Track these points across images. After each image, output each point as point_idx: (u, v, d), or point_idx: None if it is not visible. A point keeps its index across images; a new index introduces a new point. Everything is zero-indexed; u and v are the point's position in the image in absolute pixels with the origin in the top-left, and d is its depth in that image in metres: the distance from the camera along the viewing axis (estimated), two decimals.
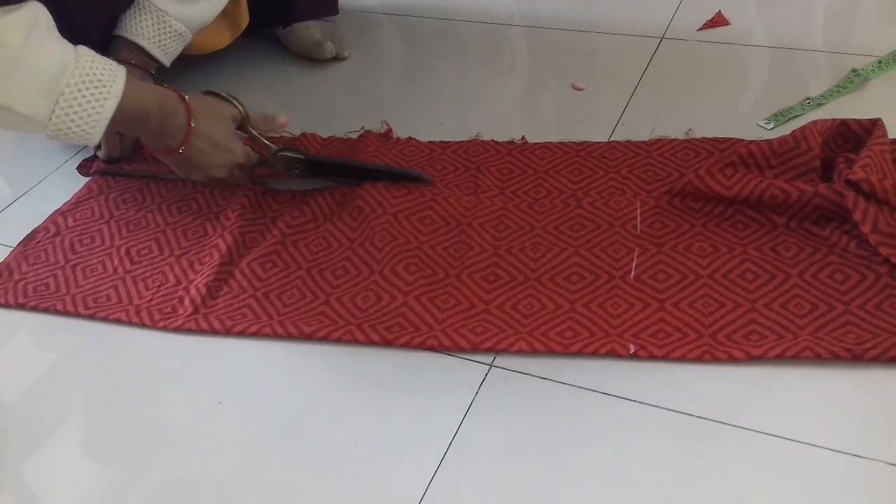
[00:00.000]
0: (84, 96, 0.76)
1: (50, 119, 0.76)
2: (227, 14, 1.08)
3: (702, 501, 0.62)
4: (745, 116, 0.99)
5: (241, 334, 0.80)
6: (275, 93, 1.16)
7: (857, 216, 0.77)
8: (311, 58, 1.21)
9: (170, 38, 0.98)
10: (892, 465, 0.62)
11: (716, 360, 0.71)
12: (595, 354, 0.73)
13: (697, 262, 0.80)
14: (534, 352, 0.74)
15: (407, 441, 0.69)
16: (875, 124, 0.85)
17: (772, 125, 0.97)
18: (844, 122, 0.87)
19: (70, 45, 0.78)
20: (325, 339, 0.78)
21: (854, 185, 0.78)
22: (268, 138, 0.94)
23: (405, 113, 1.08)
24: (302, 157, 0.93)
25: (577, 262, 0.82)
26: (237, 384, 0.76)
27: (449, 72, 1.17)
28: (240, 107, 0.91)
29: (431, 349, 0.76)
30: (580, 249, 0.83)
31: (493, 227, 0.87)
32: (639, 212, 0.86)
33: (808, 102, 1.00)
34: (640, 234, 0.84)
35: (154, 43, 0.97)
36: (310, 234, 0.90)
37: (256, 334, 0.79)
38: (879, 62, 1.04)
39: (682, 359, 0.72)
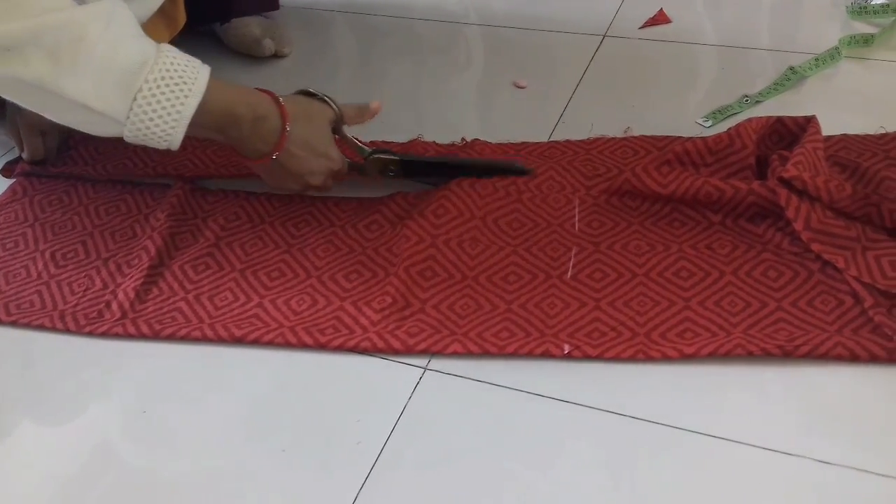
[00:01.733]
0: (164, 94, 0.70)
1: (128, 118, 0.70)
2: (163, 13, 1.05)
3: (635, 503, 0.61)
4: (685, 114, 0.99)
5: (170, 339, 0.77)
6: None
7: (790, 213, 0.77)
8: (251, 55, 1.18)
9: None
10: (824, 463, 0.62)
11: (649, 358, 0.71)
12: (530, 355, 0.72)
13: (634, 261, 0.79)
14: (468, 353, 0.73)
15: (337, 448, 0.67)
16: (809, 122, 0.86)
17: (710, 123, 0.97)
18: (780, 120, 0.88)
19: (151, 41, 0.72)
20: (256, 342, 0.76)
21: (787, 183, 0.78)
22: (360, 140, 0.88)
23: None
24: (396, 157, 0.88)
25: (515, 262, 0.81)
26: (164, 392, 0.74)
27: (392, 70, 1.16)
28: (335, 106, 0.84)
29: (365, 352, 0.74)
30: (518, 248, 0.82)
31: (433, 214, 0.85)
32: (577, 210, 0.86)
33: (746, 100, 1.00)
34: (577, 233, 0.83)
35: None
36: (245, 234, 0.87)
37: (185, 338, 0.77)
38: (816, 60, 1.05)
39: (616, 358, 0.71)
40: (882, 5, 1.11)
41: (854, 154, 0.88)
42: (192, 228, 0.89)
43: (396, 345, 0.74)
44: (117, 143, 0.99)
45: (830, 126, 0.89)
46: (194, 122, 0.73)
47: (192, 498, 0.65)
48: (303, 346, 0.75)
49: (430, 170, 0.90)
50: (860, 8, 1.13)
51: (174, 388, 0.74)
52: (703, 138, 0.86)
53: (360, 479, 0.65)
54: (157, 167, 0.96)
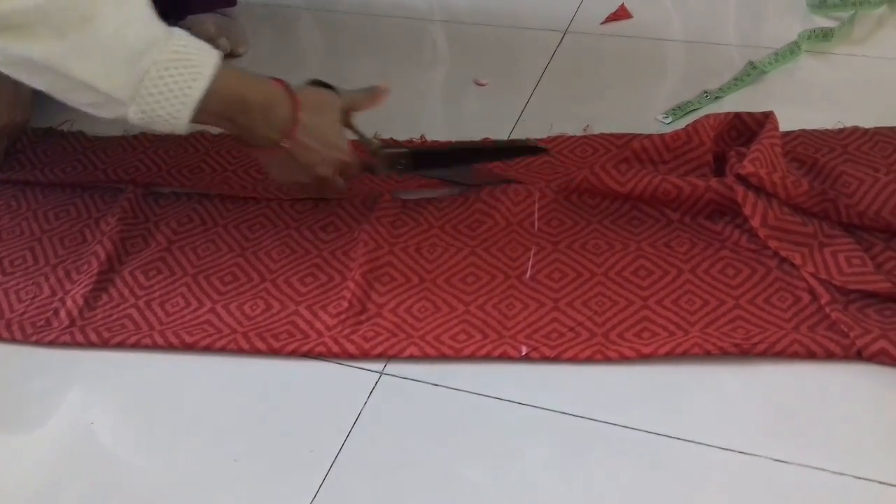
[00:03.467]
0: (172, 76, 0.68)
1: (134, 99, 0.68)
2: None
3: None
4: (645, 111, 0.99)
5: (120, 347, 0.75)
6: None
7: (747, 210, 0.77)
8: None
9: None
10: (780, 461, 0.62)
11: (607, 359, 0.70)
12: (488, 357, 0.71)
13: (592, 260, 0.79)
14: (425, 357, 0.72)
15: (290, 457, 0.66)
16: (767, 118, 0.86)
17: (670, 119, 0.97)
18: (738, 116, 0.87)
19: (162, 25, 0.70)
20: (208, 349, 0.74)
21: (743, 180, 0.78)
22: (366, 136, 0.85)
23: None
24: (406, 150, 0.85)
25: (474, 262, 0.80)
26: (112, 402, 0.72)
27: (351, 67, 1.14)
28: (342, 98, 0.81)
29: (320, 356, 0.73)
30: (477, 249, 0.81)
31: (390, 224, 0.84)
32: (536, 209, 0.85)
33: (706, 96, 1.00)
34: (537, 233, 0.82)
35: None
36: (198, 238, 0.85)
37: (136, 346, 0.75)
38: (776, 55, 1.05)
39: (574, 359, 0.70)
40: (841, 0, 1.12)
41: (812, 149, 0.88)
42: (144, 233, 0.86)
43: (352, 349, 0.72)
44: (66, 146, 0.98)
45: (791, 121, 0.89)
46: (203, 108, 0.70)
47: None
48: (256, 352, 0.73)
49: (441, 159, 0.87)
50: (820, 2, 1.13)
51: (123, 398, 0.72)
52: (660, 135, 0.85)
53: (315, 486, 0.63)
54: (107, 171, 0.94)
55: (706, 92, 1.00)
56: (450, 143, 0.94)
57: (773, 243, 0.76)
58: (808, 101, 0.98)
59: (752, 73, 1.03)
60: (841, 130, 0.90)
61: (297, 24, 1.28)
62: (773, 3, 1.19)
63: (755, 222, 0.77)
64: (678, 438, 0.64)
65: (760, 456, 0.62)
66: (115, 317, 0.78)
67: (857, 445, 0.62)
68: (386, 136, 0.96)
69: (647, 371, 0.69)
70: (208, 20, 1.15)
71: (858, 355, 0.67)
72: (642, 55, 1.11)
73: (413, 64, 1.15)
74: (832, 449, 0.62)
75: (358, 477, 0.64)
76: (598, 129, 0.95)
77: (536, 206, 0.85)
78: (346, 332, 0.74)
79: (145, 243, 0.85)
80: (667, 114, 0.98)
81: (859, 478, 0.60)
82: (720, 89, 1.01)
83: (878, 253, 0.75)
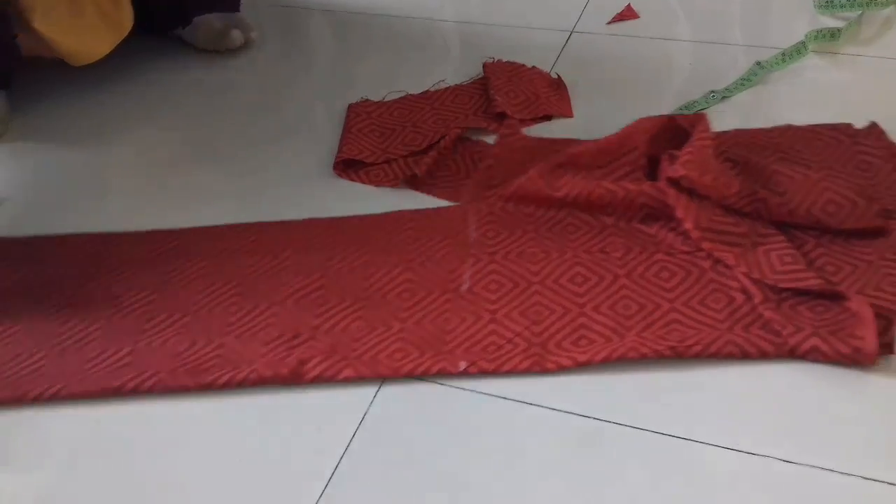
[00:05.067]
0: None
1: None
2: (105, 16, 0.99)
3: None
4: (652, 110, 0.96)
5: (37, 401, 0.71)
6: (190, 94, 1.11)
7: (680, 213, 0.77)
8: (218, 51, 1.18)
9: None
10: (787, 462, 0.61)
11: (545, 370, 0.69)
12: (425, 375, 0.70)
13: (529, 269, 0.78)
14: (360, 378, 0.71)
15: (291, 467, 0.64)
16: (700, 120, 0.86)
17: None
18: (671, 119, 0.88)
19: None
20: (135, 391, 0.71)
21: (675, 182, 0.78)
22: None
23: (297, 112, 1.07)
24: None
25: (410, 279, 0.79)
26: (31, 462, 0.68)
27: (359, 66, 1.15)
28: None
29: (254, 385, 0.71)
30: (412, 264, 0.80)
31: (321, 248, 0.83)
32: (471, 222, 0.84)
33: (713, 95, 0.99)
34: (472, 244, 0.82)
35: None
36: (111, 277, 0.83)
37: (55, 398, 0.71)
38: (783, 54, 1.04)
39: (513, 371, 0.70)
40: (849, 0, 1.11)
41: (745, 149, 0.88)
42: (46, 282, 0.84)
43: (285, 372, 0.71)
44: None
45: (798, 120, 0.89)
46: None
47: None
48: (184, 389, 0.71)
49: None
50: (827, 2, 1.12)
51: (48, 454, 0.68)
52: (594, 140, 0.85)
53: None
54: None
55: (713, 91, 0.99)
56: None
57: (706, 245, 0.76)
58: (815, 101, 0.97)
59: (758, 72, 1.02)
60: (772, 129, 0.91)
61: (307, 23, 1.28)
62: (779, 3, 1.19)
63: (688, 225, 0.77)
64: (685, 439, 0.64)
65: (768, 456, 0.62)
66: (25, 371, 0.74)
67: (866, 446, 0.62)
68: None
69: (654, 371, 0.69)
70: (213, 17, 1.16)
71: (791, 354, 0.67)
72: (648, 55, 1.10)
73: (420, 63, 1.13)
74: (840, 449, 0.61)
75: (368, 473, 0.63)
76: (605, 128, 0.92)
77: (472, 218, 0.84)
78: (279, 356, 0.72)
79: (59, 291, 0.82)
80: (673, 112, 0.97)
81: (867, 479, 0.59)
82: (726, 89, 1.00)
83: (809, 250, 0.75)
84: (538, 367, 0.69)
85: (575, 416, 0.66)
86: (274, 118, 1.07)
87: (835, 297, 0.69)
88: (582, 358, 0.69)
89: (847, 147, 0.86)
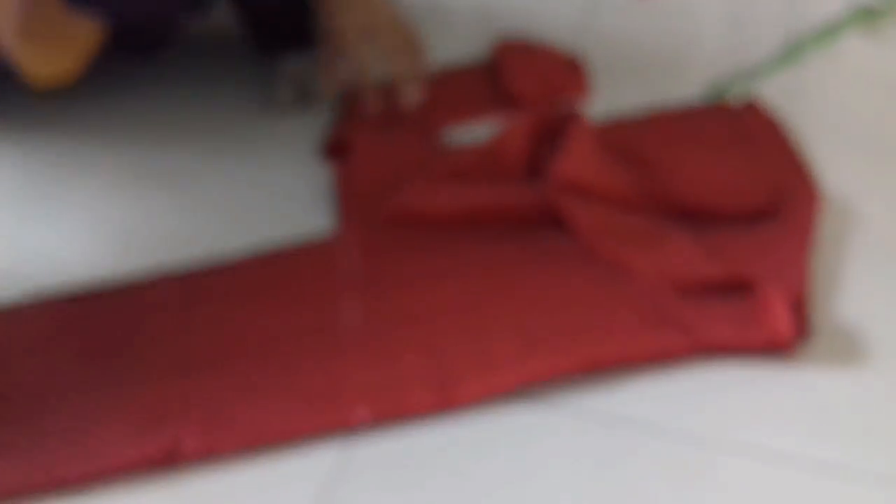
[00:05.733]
0: None
1: None
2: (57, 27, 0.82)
3: None
4: (681, 89, 0.93)
5: None
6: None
7: (570, 215, 0.74)
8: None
9: None
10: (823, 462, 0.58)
11: (454, 404, 0.63)
12: (321, 432, 0.62)
13: (420, 298, 0.71)
14: (250, 449, 0.62)
15: None
16: (574, 114, 0.83)
17: (708, 98, 0.92)
18: (544, 116, 0.84)
19: None
20: None
21: (560, 184, 0.74)
22: None
23: None
24: None
25: (287, 322, 0.70)
26: None
27: None
28: None
29: (123, 472, 0.61)
30: (282, 313, 0.71)
31: (175, 308, 0.73)
32: (349, 255, 0.76)
33: (745, 75, 0.94)
34: (355, 278, 0.74)
35: None
36: None
37: None
38: (818, 34, 1.00)
39: (419, 411, 0.63)
40: None
41: (625, 139, 0.85)
42: None
43: (158, 456, 0.61)
44: None
45: (837, 105, 0.88)
46: None
47: None
48: (39, 490, 0.60)
49: None
50: None
51: None
52: (468, 150, 0.81)
53: None
54: None
55: (745, 71, 0.95)
56: None
57: (599, 245, 0.73)
58: (855, 82, 0.94)
59: (794, 51, 0.98)
60: (651, 115, 0.89)
61: None
62: None
63: (580, 227, 0.73)
64: (710, 439, 0.60)
65: (802, 458, 0.58)
66: None
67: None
68: None
69: (681, 369, 0.65)
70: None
71: (708, 349, 0.64)
72: (678, 32, 1.05)
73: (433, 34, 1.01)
74: (878, 454, 0.59)
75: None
76: (631, 106, 0.89)
77: (349, 252, 0.76)
78: (147, 438, 0.62)
79: None
80: (704, 93, 0.92)
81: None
82: (760, 68, 0.95)
83: (706, 238, 0.73)
84: (446, 402, 0.63)
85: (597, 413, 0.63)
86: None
87: (740, 285, 0.68)
88: (492, 385, 0.63)
89: (728, 126, 0.86)
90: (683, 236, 0.73)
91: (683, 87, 0.94)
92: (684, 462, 0.59)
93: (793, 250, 0.70)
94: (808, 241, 0.71)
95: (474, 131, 0.90)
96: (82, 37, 0.87)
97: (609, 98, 0.93)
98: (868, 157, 0.83)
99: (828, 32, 1.01)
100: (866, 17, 1.03)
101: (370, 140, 0.85)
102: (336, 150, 0.86)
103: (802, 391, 0.62)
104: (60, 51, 0.85)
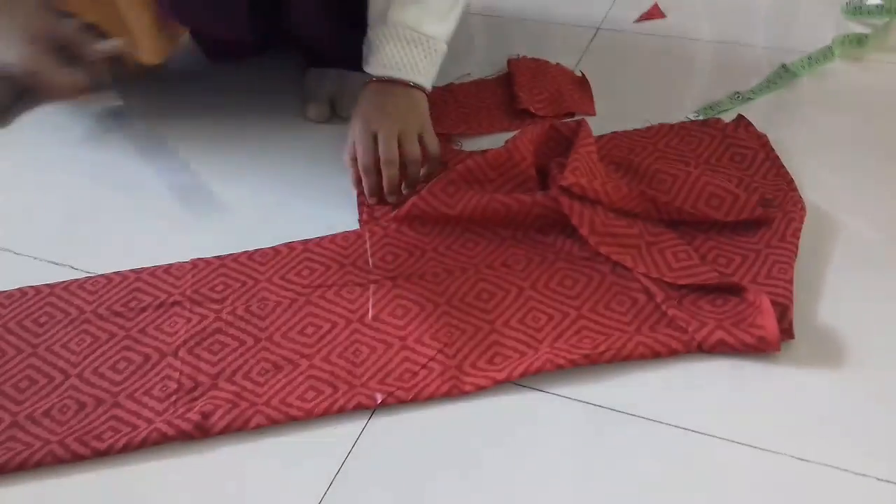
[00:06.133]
0: None
1: None
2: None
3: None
4: (675, 109, 0.97)
5: None
6: None
7: (575, 220, 0.78)
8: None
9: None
10: (803, 460, 0.62)
11: (463, 393, 0.68)
12: (342, 412, 0.67)
13: (433, 290, 0.76)
14: (273, 424, 0.66)
15: None
16: (580, 125, 0.88)
17: (701, 118, 0.96)
18: (552, 126, 0.89)
19: None
20: (21, 468, 0.64)
21: (567, 190, 0.79)
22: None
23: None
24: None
25: (311, 312, 0.75)
26: None
27: None
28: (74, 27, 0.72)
29: (156, 444, 0.65)
30: (312, 297, 0.77)
31: (209, 288, 0.77)
32: (368, 245, 0.81)
33: (737, 97, 0.98)
34: (372, 270, 0.79)
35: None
36: None
37: None
38: (809, 58, 1.03)
39: (432, 397, 0.68)
40: (876, 6, 1.11)
41: (625, 151, 0.90)
42: None
43: (188, 428, 0.65)
44: None
45: (822, 126, 0.91)
46: None
47: None
48: (78, 458, 0.64)
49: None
50: (855, 8, 1.13)
51: None
52: (482, 154, 0.85)
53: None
54: None
55: (737, 93, 0.99)
56: None
57: (603, 249, 0.77)
58: (840, 105, 0.98)
59: (784, 75, 1.01)
60: (649, 128, 0.94)
61: None
62: (807, 7, 1.19)
63: (584, 230, 0.78)
64: (702, 433, 0.64)
65: (784, 454, 0.62)
66: None
67: (882, 447, 0.62)
68: None
69: (673, 365, 0.69)
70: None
71: (699, 348, 0.69)
72: (674, 54, 1.10)
73: (448, 56, 1.04)
74: (856, 450, 0.62)
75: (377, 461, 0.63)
76: (628, 124, 0.94)
77: (368, 242, 0.81)
78: (179, 412, 0.67)
79: None
80: (697, 112, 0.96)
81: (881, 480, 0.60)
82: (751, 90, 0.99)
83: (700, 244, 0.78)
84: (457, 390, 0.68)
85: (593, 406, 0.67)
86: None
87: (731, 289, 0.72)
88: (499, 376, 0.68)
89: (719, 141, 0.90)
90: (678, 241, 0.77)
91: (679, 105, 0.99)
92: (672, 449, 0.63)
93: (779, 258, 0.75)
94: (792, 249, 0.76)
95: (487, 139, 0.95)
96: (174, 36, 0.94)
97: (611, 113, 0.98)
98: (848, 174, 0.87)
99: (818, 58, 1.04)
100: (854, 44, 1.07)
101: None
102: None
103: (785, 389, 0.67)
104: (161, 43, 0.93)
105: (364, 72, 0.89)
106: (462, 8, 0.91)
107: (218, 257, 0.81)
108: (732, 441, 0.63)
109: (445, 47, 0.90)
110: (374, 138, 0.84)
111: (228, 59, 1.07)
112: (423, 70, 0.87)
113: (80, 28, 0.75)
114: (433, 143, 0.86)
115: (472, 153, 0.90)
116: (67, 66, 0.74)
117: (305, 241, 0.82)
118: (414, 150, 0.84)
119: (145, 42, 0.89)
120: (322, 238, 0.82)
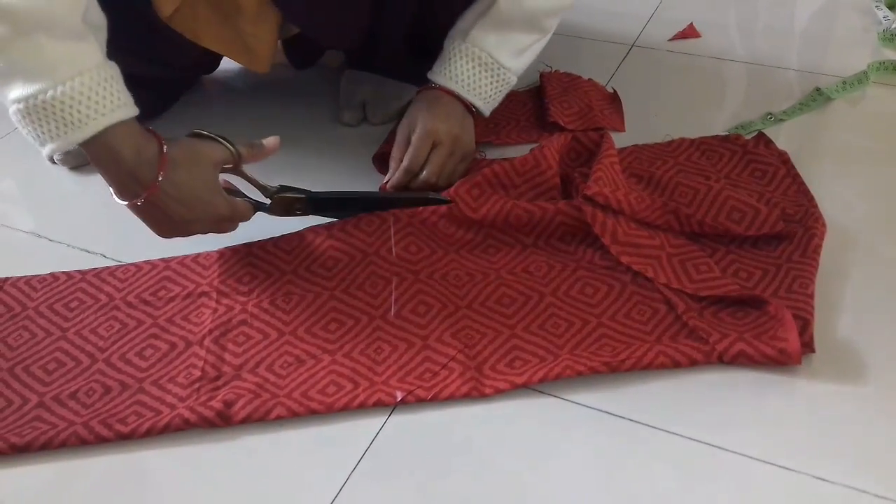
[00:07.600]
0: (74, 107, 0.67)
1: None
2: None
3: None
4: (707, 128, 0.97)
5: None
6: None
7: (597, 229, 0.79)
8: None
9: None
10: (822, 480, 0.62)
11: (482, 395, 0.68)
12: (362, 408, 0.68)
13: (455, 292, 0.77)
14: (293, 416, 0.67)
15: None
16: (603, 137, 0.89)
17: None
18: (575, 138, 0.90)
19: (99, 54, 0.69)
20: (46, 447, 0.65)
21: (590, 200, 0.80)
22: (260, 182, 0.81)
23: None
24: (303, 195, 0.81)
25: (335, 307, 0.76)
26: None
27: None
28: (231, 147, 0.76)
29: (178, 430, 0.66)
30: (336, 291, 0.78)
31: (236, 280, 0.79)
32: (392, 234, 0.82)
33: (770, 118, 0.99)
34: (395, 261, 0.80)
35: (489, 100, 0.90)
36: (5, 328, 0.76)
37: None
38: (844, 83, 1.04)
39: (451, 397, 0.68)
40: None
41: (647, 164, 0.91)
42: None
43: (211, 416, 0.66)
44: None
45: (853, 149, 0.91)
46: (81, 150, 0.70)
47: None
48: (102, 441, 0.65)
49: (339, 206, 0.85)
50: (891, 35, 1.13)
51: None
52: (510, 160, 0.86)
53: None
54: None
55: (770, 114, 1.00)
56: (350, 191, 0.89)
57: (625, 258, 0.78)
58: (873, 129, 0.98)
59: (818, 98, 1.02)
60: (670, 143, 0.95)
61: None
62: (842, 33, 1.20)
63: (606, 240, 0.78)
64: (720, 448, 0.64)
65: (802, 473, 0.62)
66: None
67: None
68: None
69: (692, 376, 0.69)
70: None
71: (720, 359, 0.69)
72: (707, 74, 1.11)
73: None
74: (875, 471, 0.62)
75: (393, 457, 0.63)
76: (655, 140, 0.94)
77: (392, 229, 0.82)
78: (202, 399, 0.68)
79: None
80: (728, 132, 0.97)
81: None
82: (784, 112, 1.00)
83: (721, 257, 0.79)
84: (476, 391, 0.69)
85: (613, 416, 0.67)
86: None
87: (753, 301, 0.73)
88: (519, 380, 0.69)
89: (740, 157, 0.91)
90: (699, 253, 0.78)
91: (711, 125, 0.99)
92: (688, 458, 0.64)
93: (800, 272, 0.75)
94: (813, 265, 0.76)
95: (513, 150, 0.95)
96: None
97: (641, 131, 0.99)
98: (873, 195, 0.87)
99: (852, 82, 1.04)
100: (890, 71, 1.07)
101: None
102: (382, 158, 0.93)
103: (805, 404, 0.67)
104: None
105: (400, 81, 0.90)
106: (542, 46, 0.92)
107: (245, 244, 0.82)
108: (751, 457, 0.63)
109: (515, 80, 0.91)
110: (430, 147, 0.85)
111: (313, 65, 1.09)
112: (485, 95, 0.89)
113: (242, 151, 0.78)
114: (466, 170, 0.89)
115: (495, 160, 0.91)
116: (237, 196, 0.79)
117: (329, 227, 0.83)
118: (454, 179, 0.86)
119: (263, 55, 0.91)
120: (346, 222, 0.83)
